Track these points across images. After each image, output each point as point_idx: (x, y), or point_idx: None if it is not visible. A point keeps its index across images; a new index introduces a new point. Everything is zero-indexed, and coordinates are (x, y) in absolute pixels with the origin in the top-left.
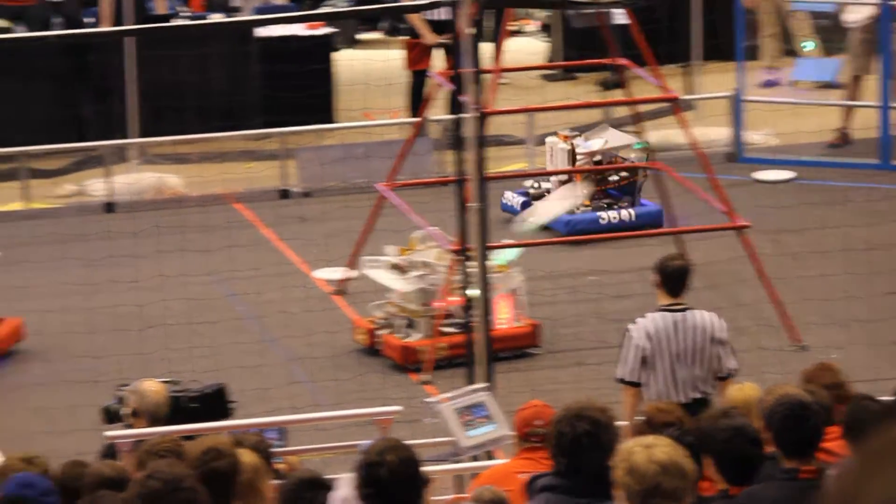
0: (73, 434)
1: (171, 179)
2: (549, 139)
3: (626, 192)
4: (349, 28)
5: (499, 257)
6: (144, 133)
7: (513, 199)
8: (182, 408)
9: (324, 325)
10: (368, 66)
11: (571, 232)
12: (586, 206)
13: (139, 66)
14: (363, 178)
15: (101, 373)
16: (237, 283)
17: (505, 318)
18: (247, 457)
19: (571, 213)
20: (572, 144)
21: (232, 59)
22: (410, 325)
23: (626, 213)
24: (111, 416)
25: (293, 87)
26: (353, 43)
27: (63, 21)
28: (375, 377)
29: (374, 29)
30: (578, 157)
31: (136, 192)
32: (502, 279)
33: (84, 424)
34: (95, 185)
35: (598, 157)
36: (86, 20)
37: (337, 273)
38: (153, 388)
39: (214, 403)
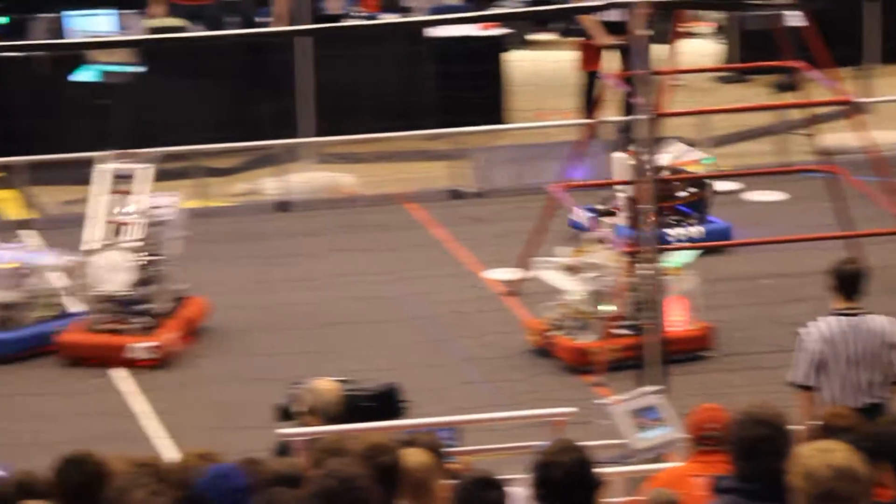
0: (248, 431)
1: (345, 179)
2: (615, 154)
3: (695, 208)
4: (521, 29)
5: (673, 260)
6: (318, 132)
7: (580, 215)
8: (355, 407)
9: (496, 326)
10: (540, 67)
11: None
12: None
13: (313, 66)
14: (536, 178)
15: (275, 370)
16: (410, 282)
17: (678, 320)
18: (419, 456)
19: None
20: (637, 161)
21: (405, 59)
22: (583, 326)
23: (696, 231)
24: (285, 414)
25: (465, 87)
26: (525, 44)
27: (238, 20)
28: (547, 378)
29: (546, 30)
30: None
31: (309, 192)
32: (676, 282)
33: (258, 421)
34: (269, 184)
35: (664, 172)
36: (260, 20)
37: (509, 274)
38: (327, 386)
39: (387, 402)
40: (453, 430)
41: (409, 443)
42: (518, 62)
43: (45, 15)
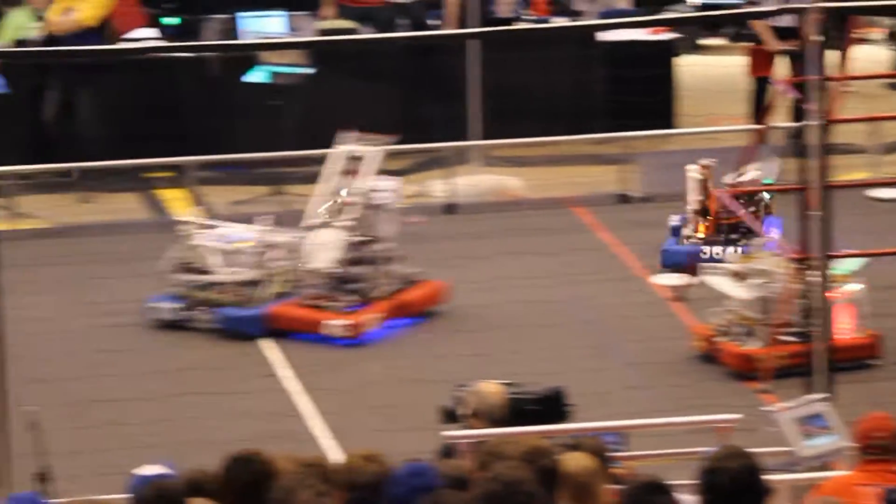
0: (412, 432)
1: (512, 182)
2: (690, 166)
3: (748, 229)
4: (692, 33)
5: (841, 267)
6: (486, 135)
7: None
8: (520, 410)
9: (662, 331)
10: (710, 72)
11: (669, 263)
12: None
13: (483, 69)
14: None
15: (440, 372)
16: (576, 286)
17: (845, 328)
18: (583, 460)
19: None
20: (706, 175)
21: (574, 63)
22: (749, 333)
23: (731, 252)
24: (450, 416)
25: (635, 91)
26: (696, 48)
27: (408, 23)
28: (712, 384)
29: (717, 35)
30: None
31: (477, 194)
32: (844, 289)
33: (423, 423)
34: (437, 186)
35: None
36: (430, 22)
37: (677, 279)
38: (492, 389)
39: (552, 406)
40: (619, 434)
41: (575, 447)
42: (688, 67)
43: (217, 16)
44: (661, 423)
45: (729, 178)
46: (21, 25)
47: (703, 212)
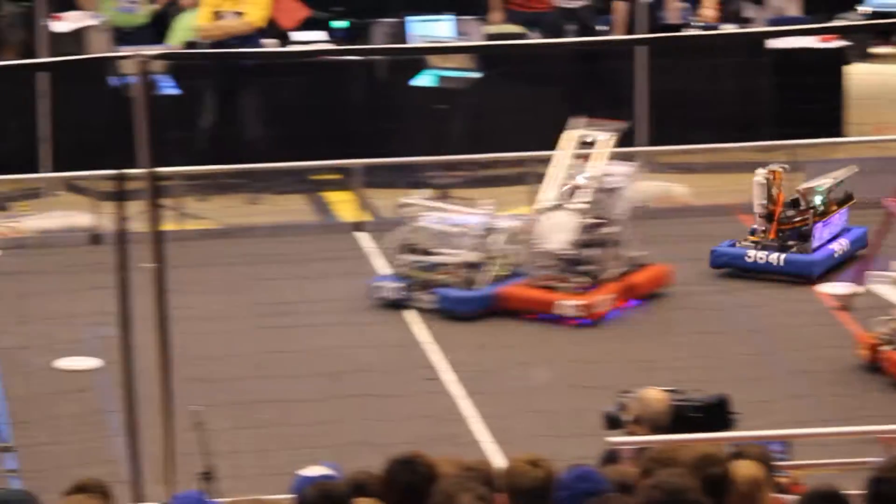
0: (575, 438)
1: (678, 188)
2: (759, 170)
3: (802, 236)
4: (862, 42)
5: None
6: (653, 141)
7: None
8: (683, 417)
9: (827, 340)
10: (881, 81)
11: (715, 264)
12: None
13: (650, 75)
14: (871, 192)
15: (603, 378)
16: (739, 293)
17: None
18: (750, 468)
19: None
20: (770, 180)
21: (742, 70)
22: None
23: (775, 257)
24: (613, 423)
25: (803, 99)
26: (866, 56)
27: (576, 28)
28: (877, 394)
29: (888, 43)
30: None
31: (642, 200)
32: None
33: (586, 429)
34: None
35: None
36: (598, 27)
37: (842, 288)
38: (656, 396)
39: (716, 414)
40: (783, 443)
41: (739, 455)
42: (858, 75)
43: (386, 20)
44: (827, 433)
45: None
46: (191, 28)
47: (768, 216)
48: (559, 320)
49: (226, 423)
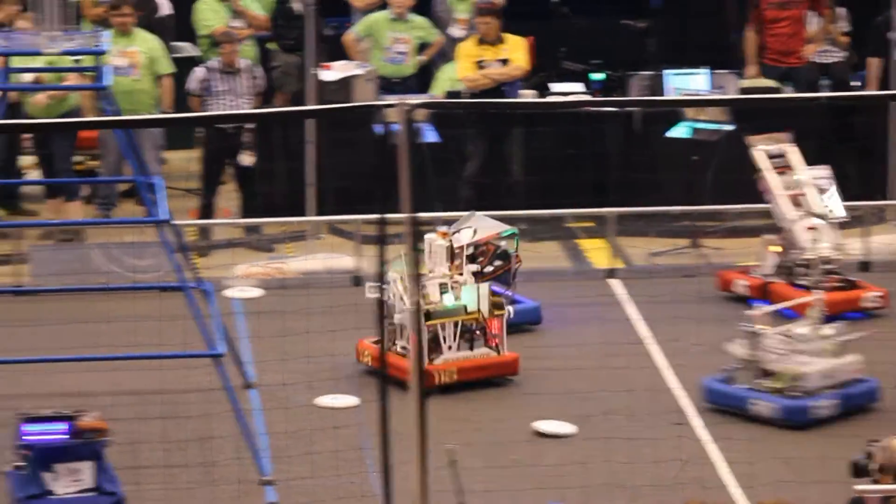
0: (821, 485)
1: None
2: (427, 237)
3: (502, 281)
4: None
5: None
6: None
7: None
8: None
9: None
10: None
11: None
12: None
13: None
14: None
15: (853, 427)
16: None
17: None
18: None
19: None
20: (451, 240)
21: None
22: None
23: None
24: (860, 471)
25: None
26: None
27: (830, 83)
28: None
29: None
30: (456, 251)
31: (891, 253)
32: None
33: (833, 476)
34: (853, 244)
35: (469, 251)
36: (852, 83)
37: None
38: None
39: None
40: None
41: None
42: None
43: (643, 72)
44: None
45: (457, 241)
46: (452, 78)
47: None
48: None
49: (478, 462)
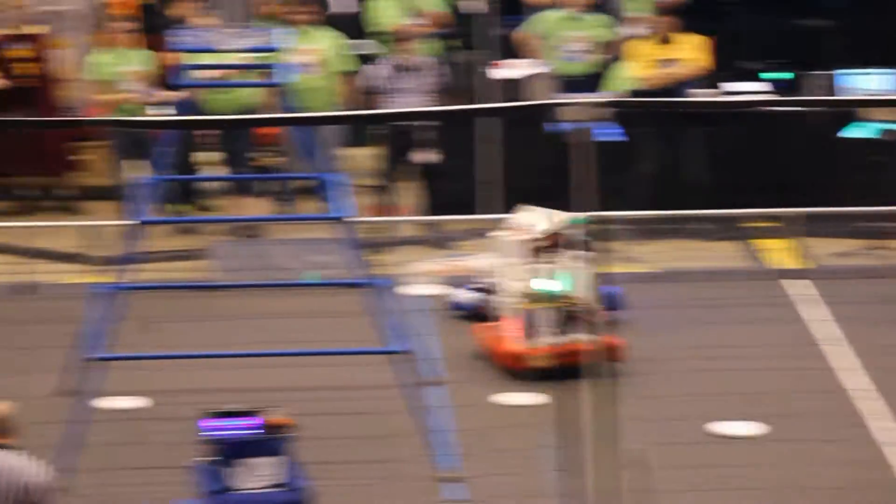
0: None
1: None
2: (499, 233)
3: None
4: None
5: None
6: None
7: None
8: None
9: None
10: None
11: None
12: None
13: None
14: None
15: None
16: None
17: None
18: None
19: None
20: (529, 232)
21: None
22: None
23: None
24: None
25: None
26: None
27: None
28: None
29: None
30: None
31: None
32: None
33: None
34: None
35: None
36: None
37: None
38: None
39: None
40: None
41: None
42: None
43: (821, 72)
44: None
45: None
46: (628, 76)
47: None
48: None
49: (665, 462)
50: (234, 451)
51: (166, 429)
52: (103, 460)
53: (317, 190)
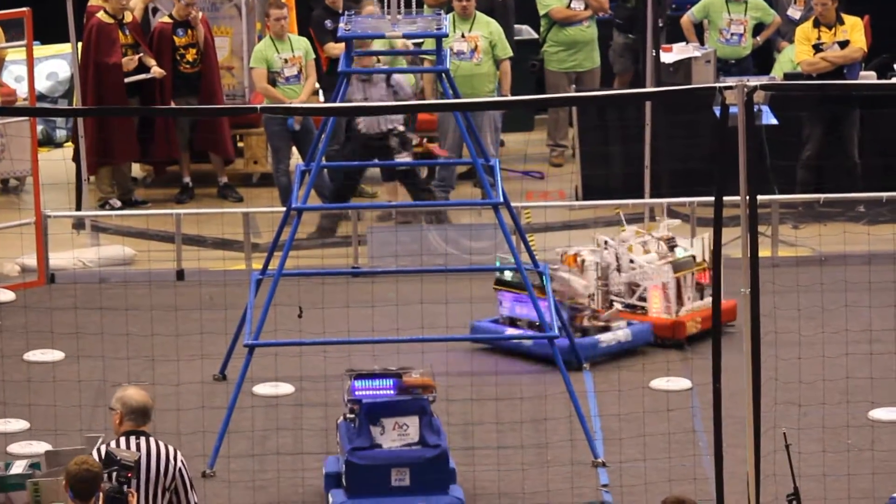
0: None
1: None
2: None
3: None
4: None
5: None
6: None
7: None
8: None
9: None
10: None
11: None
12: None
13: None
14: None
15: None
16: None
17: None
18: None
19: None
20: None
21: None
22: None
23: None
24: None
25: None
26: None
27: None
28: None
29: None
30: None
31: None
32: None
33: None
34: None
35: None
36: None
37: None
38: None
39: None
40: None
41: None
42: None
43: None
44: None
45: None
46: (793, 59)
47: None
48: None
49: (814, 447)
50: (374, 410)
51: (314, 415)
52: (254, 446)
53: (475, 175)
